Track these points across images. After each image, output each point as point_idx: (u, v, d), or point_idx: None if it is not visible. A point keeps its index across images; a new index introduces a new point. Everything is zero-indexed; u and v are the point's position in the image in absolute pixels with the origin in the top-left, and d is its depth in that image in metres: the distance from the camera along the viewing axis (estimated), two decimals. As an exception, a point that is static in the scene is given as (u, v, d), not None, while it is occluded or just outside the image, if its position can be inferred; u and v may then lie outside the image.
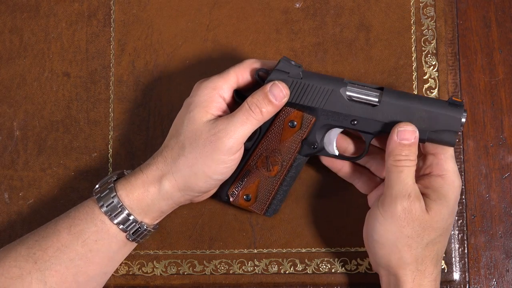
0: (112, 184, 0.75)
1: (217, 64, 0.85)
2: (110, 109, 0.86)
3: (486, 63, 0.84)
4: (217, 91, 0.74)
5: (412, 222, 0.70)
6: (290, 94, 0.75)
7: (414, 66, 0.83)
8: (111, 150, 0.85)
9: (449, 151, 0.74)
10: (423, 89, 0.83)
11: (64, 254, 0.74)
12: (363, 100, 0.74)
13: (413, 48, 0.83)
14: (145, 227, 0.75)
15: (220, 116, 0.74)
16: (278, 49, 0.85)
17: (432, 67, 0.83)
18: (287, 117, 0.76)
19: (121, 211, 0.74)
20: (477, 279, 0.81)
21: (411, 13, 0.84)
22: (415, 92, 0.82)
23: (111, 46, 0.87)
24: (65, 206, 0.84)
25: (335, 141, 0.77)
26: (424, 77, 0.83)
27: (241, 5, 0.86)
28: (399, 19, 0.84)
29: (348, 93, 0.74)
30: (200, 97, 0.74)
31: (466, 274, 0.80)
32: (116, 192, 0.74)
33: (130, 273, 0.83)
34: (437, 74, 0.83)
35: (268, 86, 0.74)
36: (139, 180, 0.74)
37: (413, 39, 0.83)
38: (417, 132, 0.72)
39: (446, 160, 0.73)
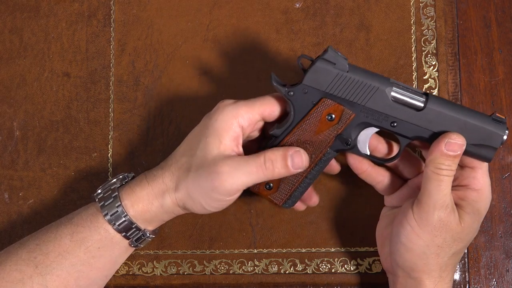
0: (117, 193, 0.74)
1: (217, 64, 0.85)
2: (110, 109, 0.86)
3: (486, 63, 0.84)
4: (237, 119, 0.72)
5: (445, 233, 0.71)
6: (333, 86, 0.72)
7: (414, 66, 0.83)
8: (111, 150, 0.85)
9: (485, 166, 0.73)
10: (423, 89, 0.82)
11: (66, 260, 0.73)
12: (407, 103, 0.72)
13: (413, 48, 0.83)
14: (147, 234, 0.76)
15: (232, 148, 0.72)
16: (278, 49, 0.85)
17: (432, 67, 0.83)
18: (326, 110, 0.73)
19: (125, 220, 0.74)
20: (477, 279, 0.81)
21: (411, 13, 0.84)
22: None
23: (111, 46, 0.87)
24: (65, 207, 0.84)
25: (368, 141, 0.75)
26: (424, 77, 0.83)
27: (241, 5, 0.86)
28: (399, 19, 0.84)
29: (393, 93, 0.72)
30: (219, 123, 0.72)
31: (466, 274, 0.80)
32: (121, 202, 0.74)
33: (130, 273, 0.83)
34: (437, 74, 0.83)
35: (291, 151, 0.72)
36: (144, 192, 0.74)
37: (413, 39, 0.83)
38: (465, 145, 0.71)
39: (483, 175, 0.73)
